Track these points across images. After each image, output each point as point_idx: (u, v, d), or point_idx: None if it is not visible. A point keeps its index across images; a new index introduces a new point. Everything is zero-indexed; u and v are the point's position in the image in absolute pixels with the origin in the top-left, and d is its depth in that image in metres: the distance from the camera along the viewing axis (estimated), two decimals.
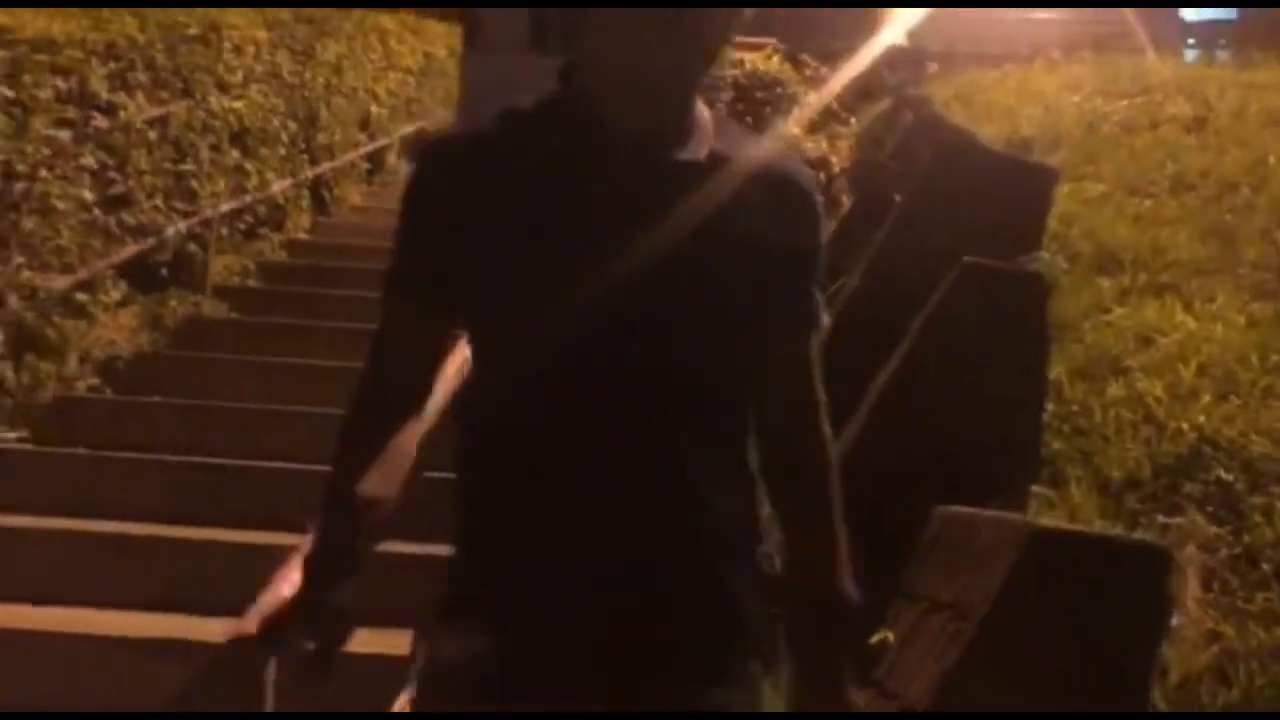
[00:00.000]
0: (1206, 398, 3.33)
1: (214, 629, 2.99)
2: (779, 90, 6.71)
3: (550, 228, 1.13)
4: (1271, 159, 4.94)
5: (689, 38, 1.11)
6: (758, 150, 1.20)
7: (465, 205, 1.16)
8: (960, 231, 4.12)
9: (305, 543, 1.82)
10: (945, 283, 3.24)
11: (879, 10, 12.27)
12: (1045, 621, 2.03)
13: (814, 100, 7.76)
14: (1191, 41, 10.49)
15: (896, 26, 11.04)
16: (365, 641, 3.69)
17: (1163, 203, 4.82)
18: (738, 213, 1.16)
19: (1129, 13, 12.67)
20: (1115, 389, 3.47)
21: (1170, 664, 2.62)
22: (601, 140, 1.14)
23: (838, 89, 7.91)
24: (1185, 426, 3.23)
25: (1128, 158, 5.32)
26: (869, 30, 11.90)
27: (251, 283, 6.88)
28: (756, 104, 6.52)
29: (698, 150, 1.16)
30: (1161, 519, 2.98)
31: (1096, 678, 2.00)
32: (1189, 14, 16.55)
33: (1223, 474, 3.05)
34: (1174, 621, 2.77)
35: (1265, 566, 2.81)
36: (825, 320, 1.26)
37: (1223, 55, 11.44)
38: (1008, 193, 4.40)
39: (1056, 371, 3.58)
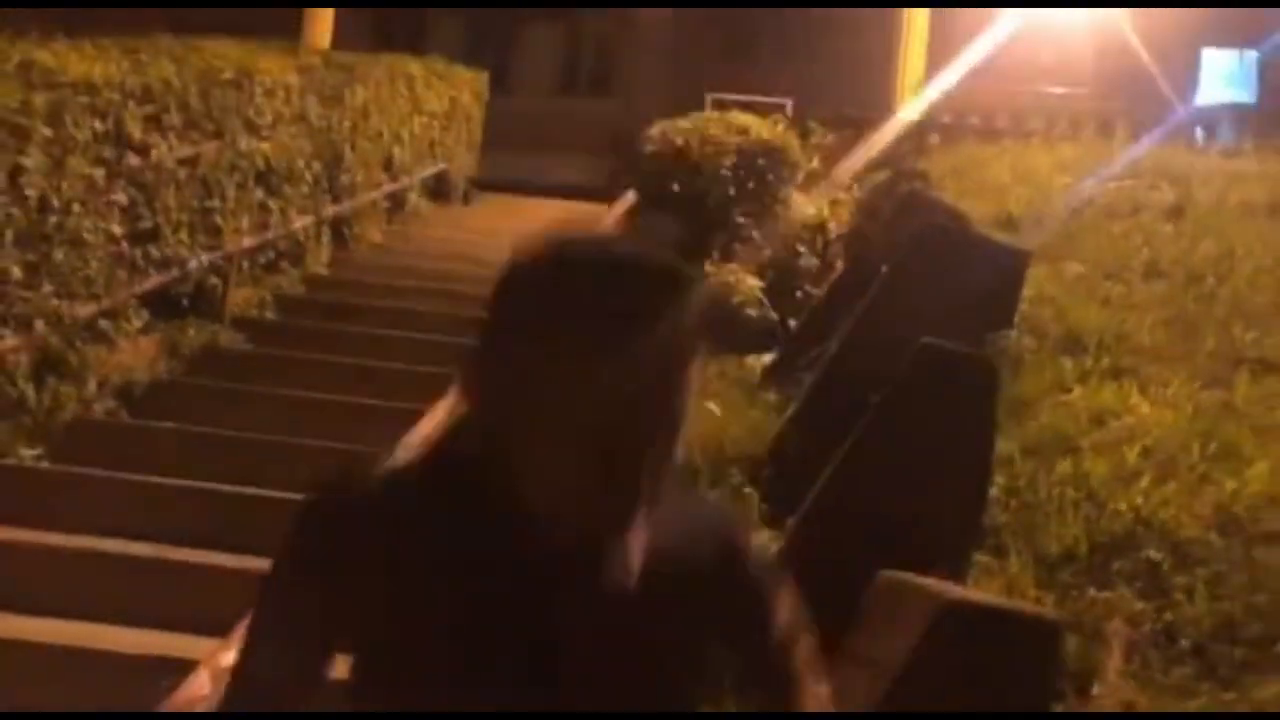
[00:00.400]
0: (1146, 480, 3.54)
1: (209, 648, 3.21)
2: (782, 158, 6.99)
3: (457, 627, 1.02)
4: (1239, 251, 5.17)
5: (629, 483, 0.96)
6: (695, 529, 1.08)
7: (356, 576, 1.03)
8: (935, 308, 4.37)
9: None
10: (903, 362, 3.47)
11: (896, 80, 12.60)
12: (947, 683, 2.24)
13: (833, 172, 8.03)
14: (1199, 129, 10.74)
15: (915, 103, 11.36)
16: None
17: (1134, 288, 5.05)
18: (675, 613, 1.06)
19: (1159, 78, 12.93)
20: (1064, 467, 3.69)
21: None
22: (525, 553, 1.00)
23: (859, 165, 8.19)
24: (1124, 507, 3.45)
25: (1106, 242, 5.56)
26: (884, 100, 12.23)
27: (269, 315, 7.15)
28: (758, 170, 6.80)
29: (631, 564, 1.02)
30: (1092, 593, 3.19)
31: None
32: (1205, 96, 16.78)
33: (1152, 553, 3.26)
34: (1094, 690, 2.98)
35: (1184, 642, 3.01)
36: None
37: (1227, 135, 11.71)
38: (983, 273, 4.64)
39: (1010, 448, 3.80)
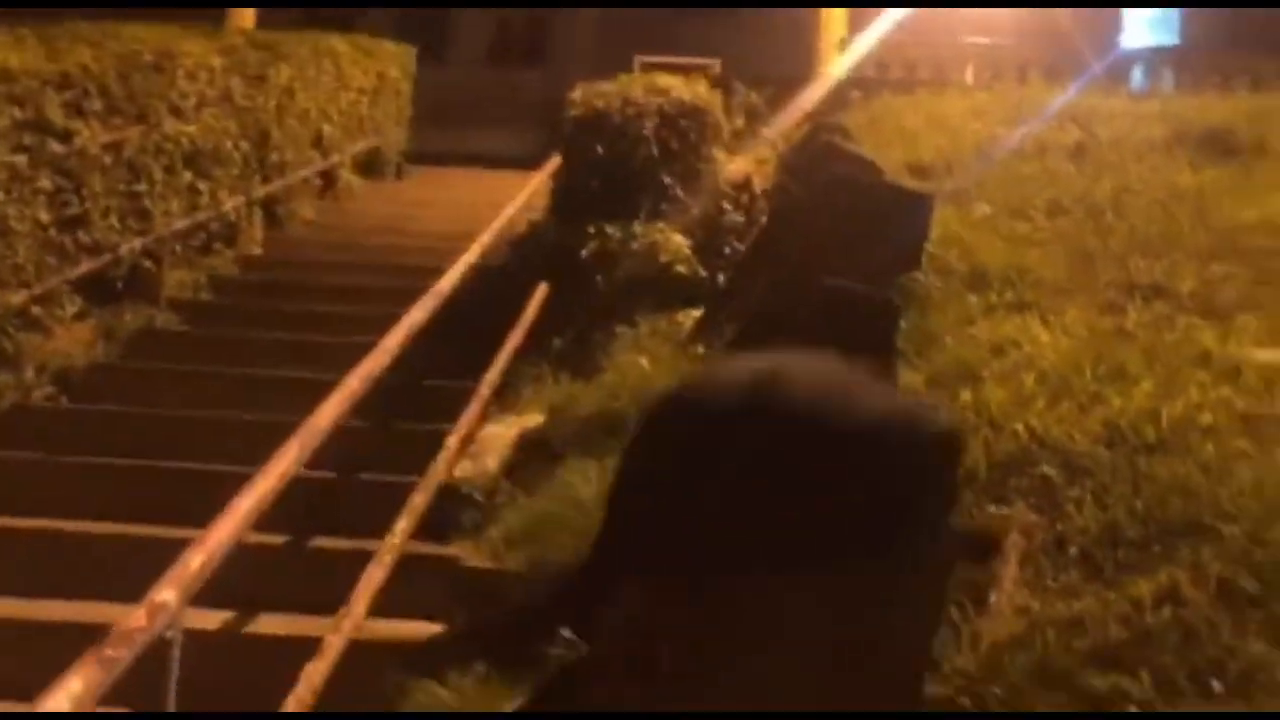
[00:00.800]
0: (1041, 403, 3.75)
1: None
2: (705, 117, 7.13)
3: None
4: (1136, 186, 5.41)
5: None
6: None
7: None
8: (847, 253, 4.56)
9: None
10: (809, 303, 3.64)
11: (820, 39, 12.76)
12: None
13: (758, 129, 8.18)
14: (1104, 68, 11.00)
15: (839, 59, 11.53)
16: (273, 624, 4.07)
17: (1038, 225, 5.26)
18: None
19: (1076, 35, 13.21)
20: (966, 395, 3.89)
21: (983, 633, 3.05)
22: None
23: (783, 122, 8.35)
24: (1020, 428, 3.66)
25: (1013, 182, 5.78)
26: (808, 58, 12.38)
27: (204, 296, 7.21)
28: (680, 130, 6.94)
29: None
30: (991, 509, 3.40)
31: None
32: (1131, 39, 17.06)
33: (1046, 469, 3.48)
34: (991, 599, 3.19)
35: (1073, 550, 3.23)
36: None
37: (1152, 78, 12.00)
38: (892, 219, 4.84)
39: (917, 380, 4.00)
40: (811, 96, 9.33)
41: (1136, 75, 11.12)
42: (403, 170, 11.56)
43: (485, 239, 5.64)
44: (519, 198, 6.66)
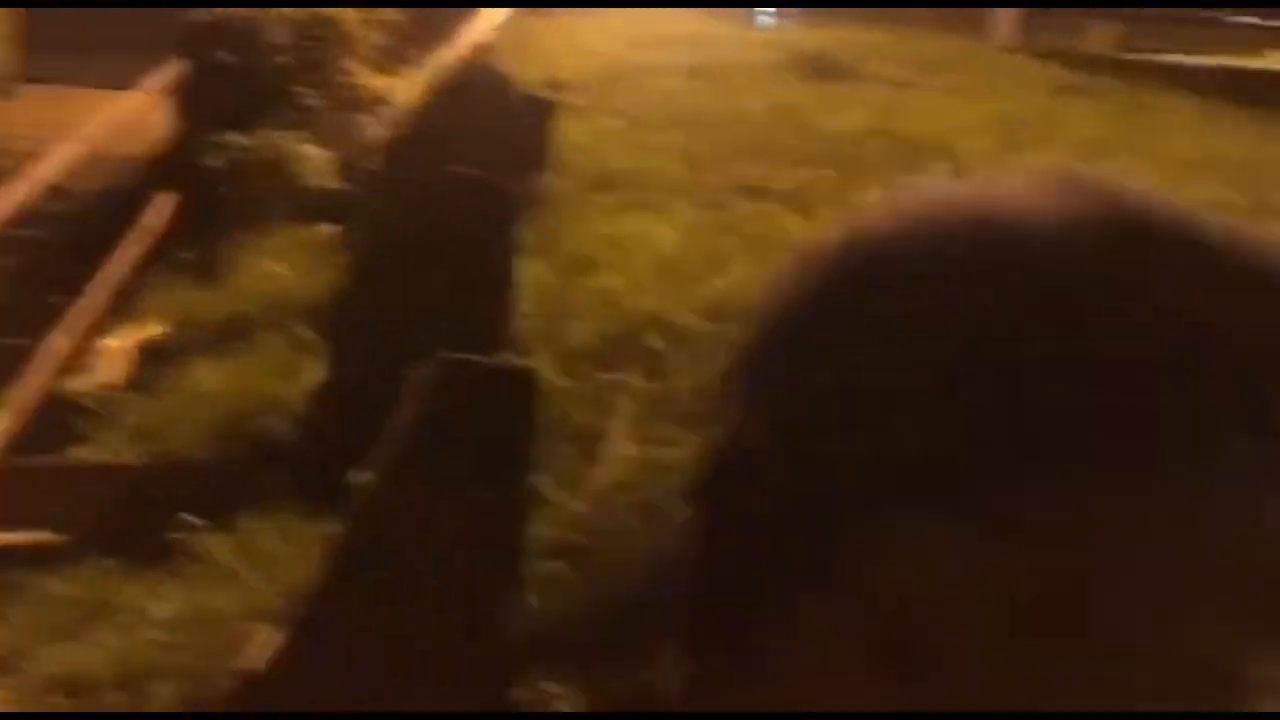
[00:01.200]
0: (652, 286, 4.08)
1: None
2: (341, 30, 6.97)
3: None
4: (744, 99, 5.92)
5: None
6: None
7: None
8: (476, 157, 4.69)
9: None
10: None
11: None
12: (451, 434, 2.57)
13: (404, 47, 8.04)
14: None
15: None
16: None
17: (661, 135, 5.64)
18: None
19: None
20: (586, 281, 4.16)
21: (594, 479, 3.32)
22: None
23: (437, 40, 8.25)
24: (633, 307, 3.96)
25: (641, 98, 6.13)
26: None
27: None
28: (313, 39, 6.76)
29: None
30: (604, 376, 3.67)
31: (486, 470, 2.57)
32: None
33: (654, 341, 3.80)
34: (600, 446, 3.48)
35: (673, 407, 3.56)
36: None
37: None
38: (518, 124, 5.02)
39: (541, 269, 4.22)
40: (464, 20, 9.31)
41: (765, 13, 11.97)
42: (13, 91, 10.44)
43: (90, 130, 5.27)
44: (127, 101, 6.27)
